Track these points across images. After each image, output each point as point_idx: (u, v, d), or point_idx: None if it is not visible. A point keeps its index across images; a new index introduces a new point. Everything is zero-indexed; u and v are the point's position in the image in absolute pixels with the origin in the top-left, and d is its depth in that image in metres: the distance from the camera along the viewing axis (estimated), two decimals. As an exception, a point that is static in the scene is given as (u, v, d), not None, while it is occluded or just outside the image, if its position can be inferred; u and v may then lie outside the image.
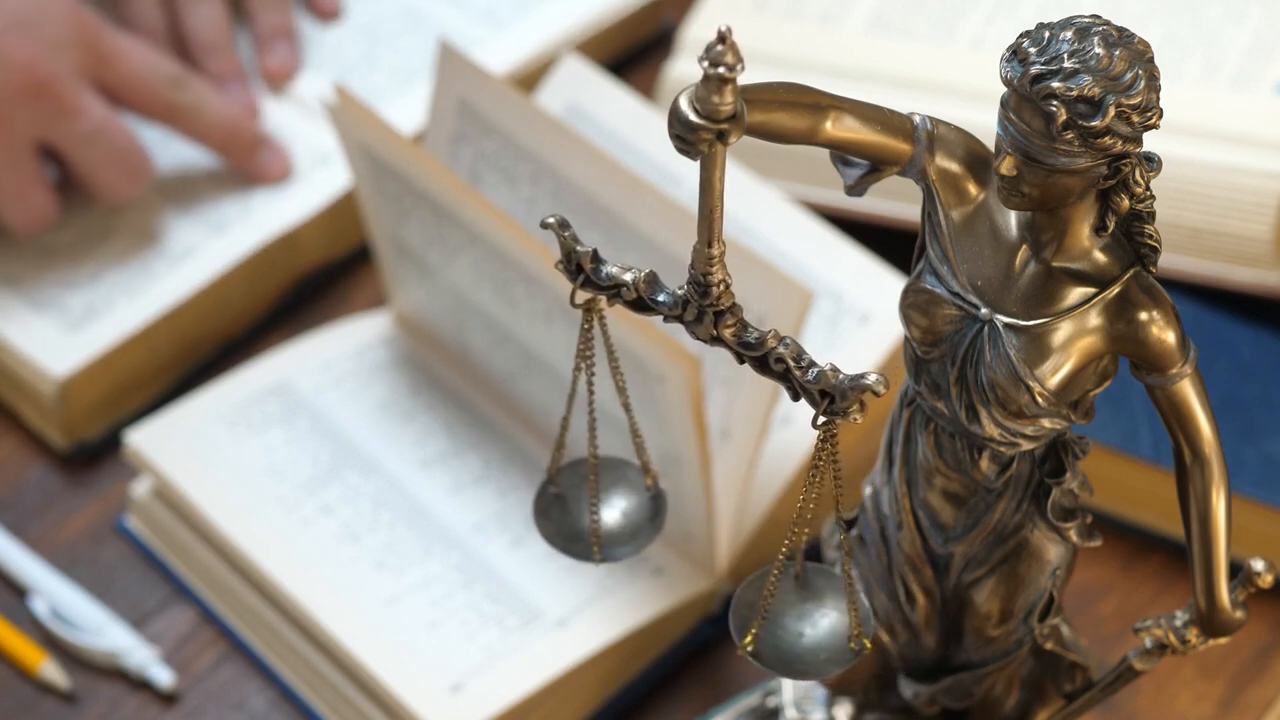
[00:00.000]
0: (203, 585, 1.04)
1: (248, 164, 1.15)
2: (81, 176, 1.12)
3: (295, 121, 1.19)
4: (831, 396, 0.70)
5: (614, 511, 0.81)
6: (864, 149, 0.72)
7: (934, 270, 0.74)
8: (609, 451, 0.82)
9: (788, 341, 0.71)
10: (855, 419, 0.71)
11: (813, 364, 0.71)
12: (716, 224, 0.69)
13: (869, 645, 0.76)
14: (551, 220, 0.72)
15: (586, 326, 0.76)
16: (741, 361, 0.72)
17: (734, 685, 1.01)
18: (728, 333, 0.72)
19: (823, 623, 0.76)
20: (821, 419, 0.71)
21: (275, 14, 1.21)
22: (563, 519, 0.81)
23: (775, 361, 0.71)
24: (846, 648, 0.76)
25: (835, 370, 0.70)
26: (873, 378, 0.69)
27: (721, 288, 0.71)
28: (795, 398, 0.72)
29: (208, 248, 1.13)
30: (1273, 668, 1.01)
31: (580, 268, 0.73)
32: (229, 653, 1.03)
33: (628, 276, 0.73)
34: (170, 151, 1.17)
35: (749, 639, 0.76)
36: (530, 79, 1.20)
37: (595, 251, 0.73)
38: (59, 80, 1.09)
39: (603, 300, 0.74)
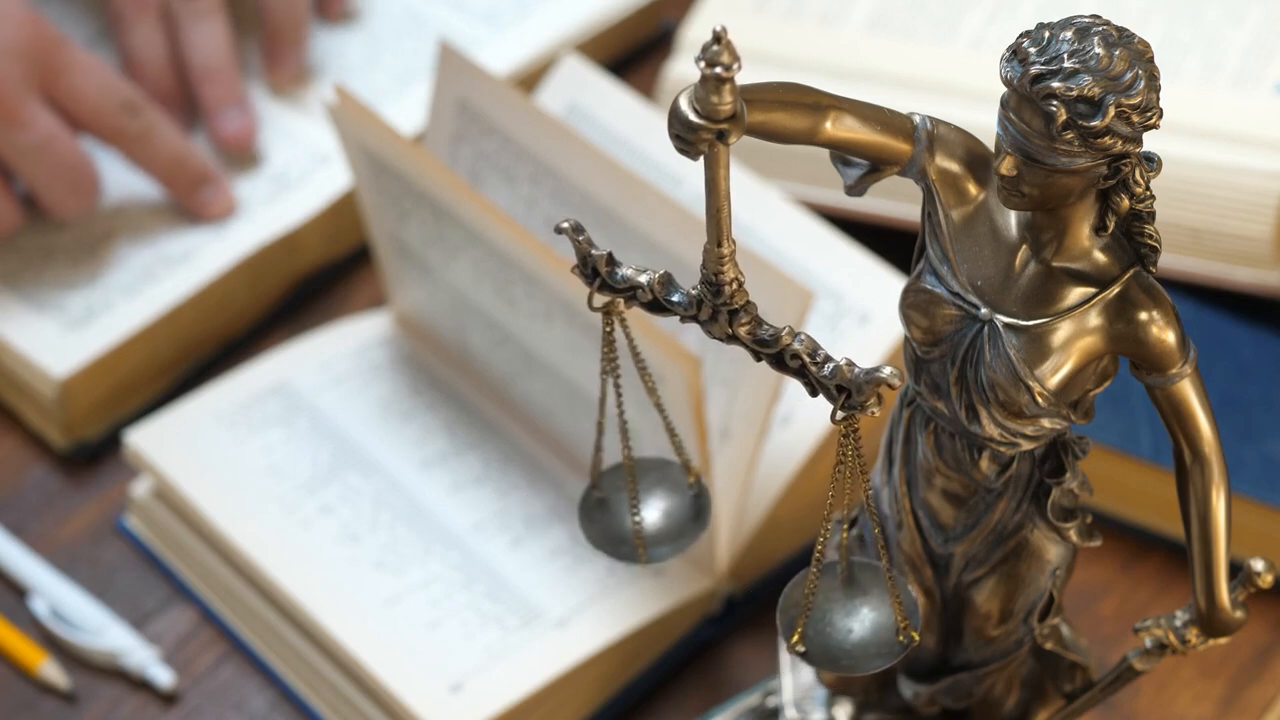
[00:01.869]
0: (203, 585, 1.04)
1: (190, 200, 1.14)
2: (28, 189, 1.11)
3: (295, 121, 1.19)
4: (848, 391, 0.71)
5: (655, 512, 0.81)
6: (864, 149, 0.72)
7: (934, 270, 0.74)
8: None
9: (802, 338, 0.71)
10: (873, 412, 0.71)
11: (828, 359, 0.71)
12: (725, 223, 0.70)
13: (916, 637, 0.76)
14: (566, 225, 0.72)
15: (608, 329, 0.76)
16: (758, 359, 0.73)
17: (734, 685, 1.01)
18: (742, 331, 0.72)
19: (870, 617, 0.77)
20: (840, 414, 0.71)
21: (288, 17, 1.20)
22: (607, 522, 0.81)
23: (791, 358, 0.72)
24: (895, 640, 0.76)
25: (851, 364, 0.71)
26: (888, 370, 0.70)
27: (734, 286, 0.71)
28: (813, 393, 0.72)
29: (208, 248, 1.13)
30: (1273, 668, 1.01)
31: (596, 271, 0.73)
32: (229, 653, 1.03)
33: (643, 278, 0.73)
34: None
35: (796, 638, 0.76)
36: (530, 79, 1.20)
37: (611, 254, 0.73)
38: (3, 87, 1.07)
39: (621, 303, 0.74)
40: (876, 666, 0.76)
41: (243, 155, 1.17)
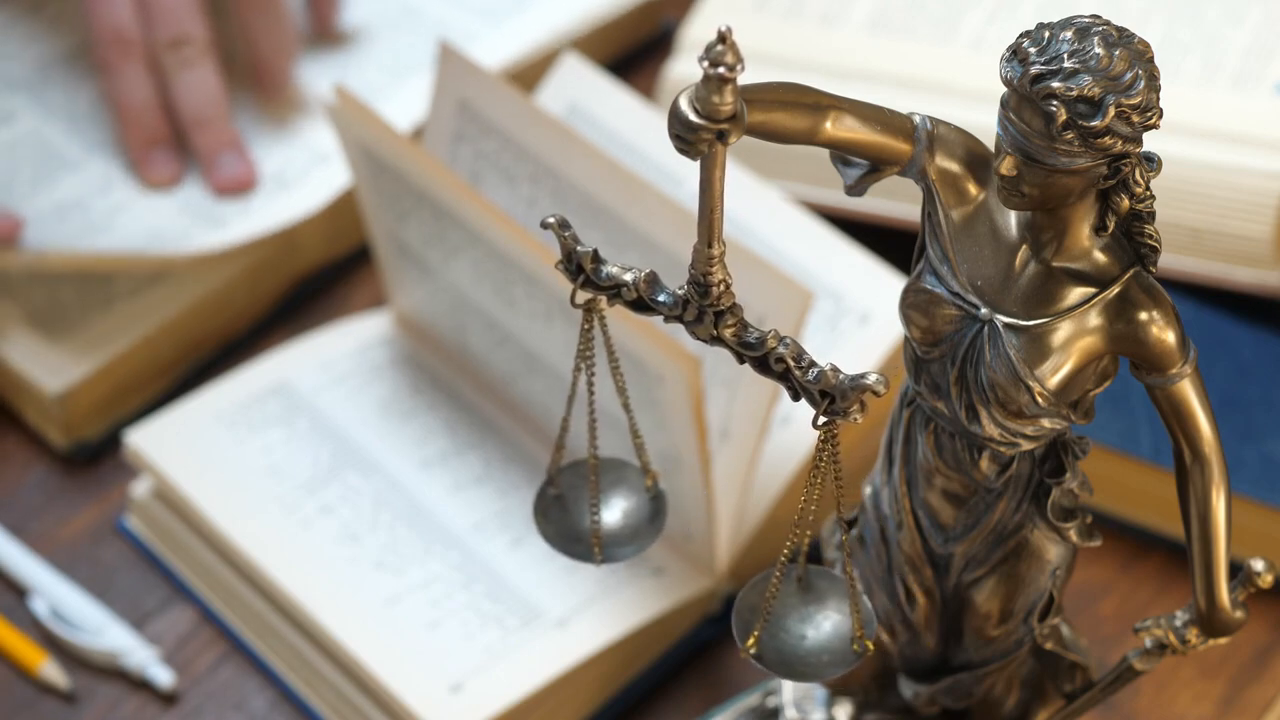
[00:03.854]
0: (203, 585, 1.04)
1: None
2: None
3: (294, 120, 1.19)
4: (832, 397, 0.71)
5: (614, 512, 0.81)
6: (864, 149, 0.72)
7: (934, 270, 0.74)
8: (609, 452, 0.82)
9: (788, 342, 0.71)
10: (856, 419, 0.71)
11: (813, 364, 0.71)
12: (716, 224, 0.69)
13: (871, 647, 0.76)
14: (552, 220, 0.72)
15: (587, 327, 0.76)
16: (742, 361, 0.73)
17: (734, 685, 1.01)
18: (728, 333, 0.72)
19: (825, 625, 0.77)
20: (822, 419, 0.71)
21: (274, 51, 1.18)
22: (563, 520, 0.81)
23: (775, 361, 0.72)
24: (849, 649, 0.76)
25: (835, 370, 0.70)
26: (873, 378, 0.69)
27: (722, 288, 0.71)
28: (795, 398, 0.72)
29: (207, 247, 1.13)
30: (1273, 668, 1.01)
31: (580, 268, 0.73)
32: (229, 653, 1.03)
33: (628, 276, 0.73)
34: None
35: (751, 641, 0.76)
36: (528, 76, 1.20)
37: (596, 251, 0.73)
38: None
39: (603, 300, 0.74)
40: (830, 674, 0.76)
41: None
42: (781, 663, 0.76)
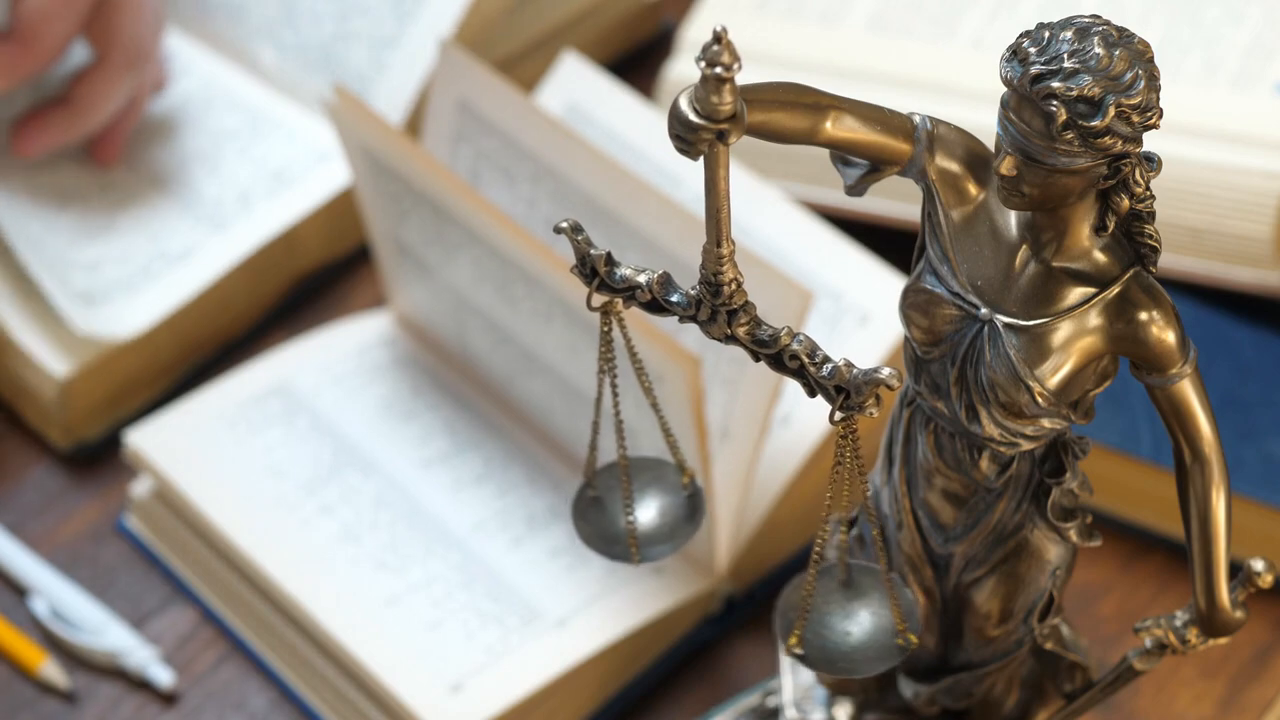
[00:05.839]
0: (203, 585, 1.04)
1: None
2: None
3: (295, 120, 1.19)
4: (847, 391, 0.71)
5: (650, 511, 0.81)
6: (864, 149, 0.72)
7: (934, 270, 0.74)
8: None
9: (801, 338, 0.72)
10: (871, 413, 0.71)
11: (827, 359, 0.71)
12: (724, 223, 0.70)
13: (915, 640, 0.76)
14: (565, 225, 0.72)
15: (605, 329, 0.76)
16: (756, 359, 0.73)
17: (734, 685, 1.01)
18: (741, 331, 0.72)
19: (868, 620, 0.77)
20: (839, 414, 0.71)
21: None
22: (600, 521, 0.81)
23: (790, 358, 0.72)
24: (893, 644, 0.76)
25: (849, 365, 0.71)
26: (886, 371, 0.70)
27: (733, 286, 0.71)
28: (811, 394, 0.72)
29: (208, 248, 1.13)
30: (1273, 668, 1.01)
31: (595, 271, 0.73)
32: (229, 653, 1.03)
33: (642, 278, 0.73)
34: (171, 148, 1.17)
35: (795, 640, 0.76)
36: (528, 76, 1.19)
37: (609, 254, 0.73)
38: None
39: (619, 303, 0.74)
40: (874, 670, 0.77)
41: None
42: (826, 660, 0.76)
